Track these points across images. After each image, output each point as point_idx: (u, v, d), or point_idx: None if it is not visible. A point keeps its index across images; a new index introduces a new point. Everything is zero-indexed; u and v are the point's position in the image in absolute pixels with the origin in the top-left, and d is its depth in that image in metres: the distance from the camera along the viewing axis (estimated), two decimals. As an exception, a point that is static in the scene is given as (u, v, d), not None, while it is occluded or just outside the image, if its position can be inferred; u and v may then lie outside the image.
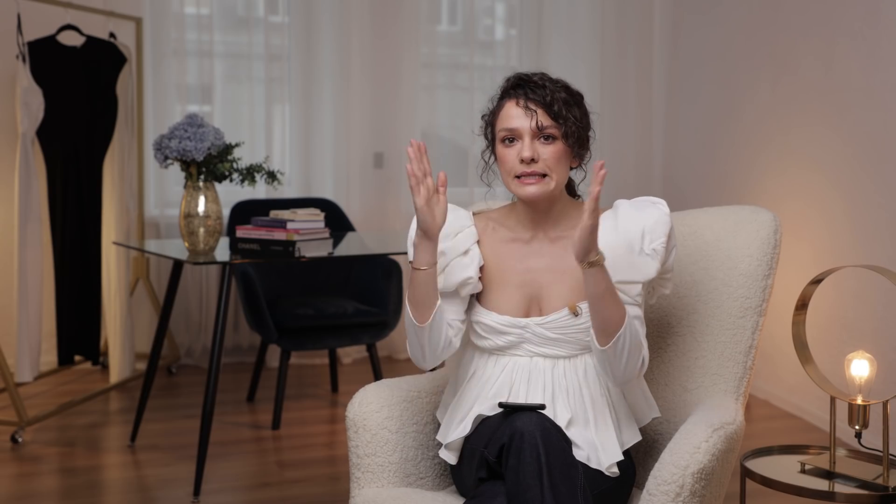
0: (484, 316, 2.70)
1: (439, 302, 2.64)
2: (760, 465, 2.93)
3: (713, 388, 2.84)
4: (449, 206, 2.82)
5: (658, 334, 2.98)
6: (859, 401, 2.88)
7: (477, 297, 2.76)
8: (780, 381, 5.65)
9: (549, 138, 2.63)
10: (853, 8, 5.04)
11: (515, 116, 2.64)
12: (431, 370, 2.91)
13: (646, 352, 2.61)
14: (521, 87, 2.68)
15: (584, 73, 6.98)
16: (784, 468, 2.91)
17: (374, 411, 2.78)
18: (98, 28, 5.90)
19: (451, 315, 2.71)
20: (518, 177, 2.64)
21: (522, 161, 2.61)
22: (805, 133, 5.46)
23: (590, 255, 2.42)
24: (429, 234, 2.58)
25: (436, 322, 2.64)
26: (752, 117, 5.99)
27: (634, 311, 2.58)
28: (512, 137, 2.64)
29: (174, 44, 6.44)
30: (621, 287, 2.56)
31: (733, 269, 2.87)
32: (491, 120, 2.74)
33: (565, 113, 2.64)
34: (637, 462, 2.83)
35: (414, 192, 2.53)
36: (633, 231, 2.60)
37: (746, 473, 2.90)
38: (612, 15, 7.02)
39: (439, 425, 2.82)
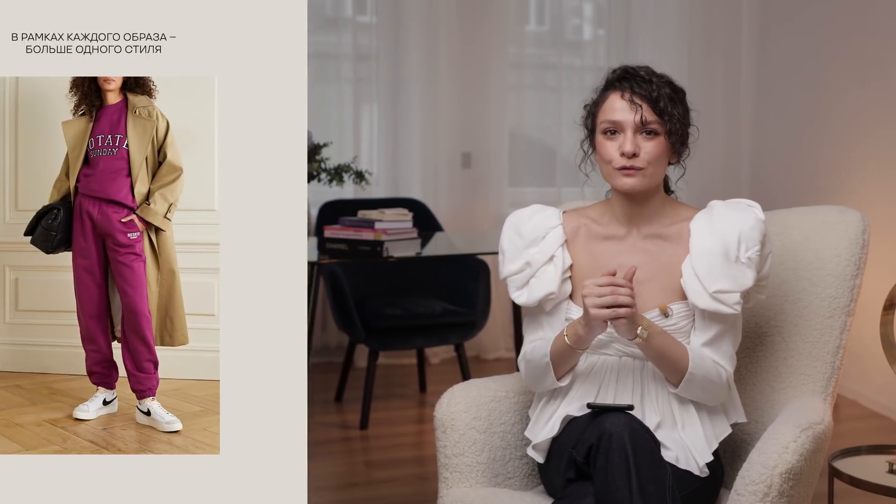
0: (574, 313, 2.67)
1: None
2: (848, 466, 2.91)
3: (801, 389, 2.82)
4: (536, 206, 2.82)
5: (746, 335, 2.96)
6: (950, 402, 2.86)
7: (570, 294, 2.74)
8: (869, 381, 5.59)
9: (651, 133, 2.61)
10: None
11: (620, 109, 2.63)
12: None
13: (730, 368, 2.63)
14: (628, 80, 2.67)
15: (672, 73, 6.81)
16: (872, 468, 2.90)
17: (462, 411, 2.80)
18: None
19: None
20: (617, 169, 2.62)
21: (623, 155, 2.60)
22: (894, 134, 5.40)
23: (637, 335, 2.50)
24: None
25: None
26: (840, 118, 5.93)
27: (702, 339, 2.61)
28: (614, 129, 2.63)
29: (264, 46, 6.50)
30: (719, 296, 2.56)
31: (821, 269, 2.86)
32: (593, 110, 2.72)
33: (670, 109, 2.63)
34: (725, 462, 2.83)
35: (600, 311, 2.47)
36: (730, 235, 2.58)
37: (834, 473, 2.89)
38: (699, 15, 6.96)
39: (529, 422, 2.83)
